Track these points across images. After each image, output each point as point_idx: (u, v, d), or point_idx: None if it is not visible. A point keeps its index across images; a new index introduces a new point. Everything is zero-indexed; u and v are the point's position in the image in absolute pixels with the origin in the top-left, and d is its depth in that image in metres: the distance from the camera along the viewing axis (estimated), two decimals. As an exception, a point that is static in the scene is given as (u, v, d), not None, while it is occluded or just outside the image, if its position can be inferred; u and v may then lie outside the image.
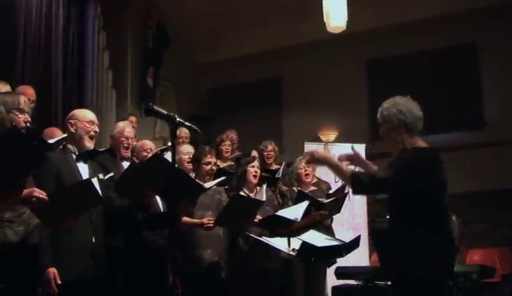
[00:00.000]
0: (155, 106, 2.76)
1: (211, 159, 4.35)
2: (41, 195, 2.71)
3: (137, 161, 4.20)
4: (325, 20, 6.81)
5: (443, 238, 2.90)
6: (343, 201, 4.82)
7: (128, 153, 4.30)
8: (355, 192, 3.25)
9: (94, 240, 3.30)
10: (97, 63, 8.03)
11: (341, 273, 5.62)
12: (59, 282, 3.09)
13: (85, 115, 3.51)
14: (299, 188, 4.88)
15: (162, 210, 3.92)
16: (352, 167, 3.19)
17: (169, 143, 4.46)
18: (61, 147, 3.59)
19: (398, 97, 3.07)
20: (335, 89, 9.57)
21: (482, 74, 8.88)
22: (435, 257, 2.81)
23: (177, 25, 9.71)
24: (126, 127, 4.43)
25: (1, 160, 2.47)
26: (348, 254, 4.30)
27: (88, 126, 3.44)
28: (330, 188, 5.21)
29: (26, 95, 3.40)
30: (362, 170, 3.19)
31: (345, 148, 3.68)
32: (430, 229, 2.84)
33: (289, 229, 4.19)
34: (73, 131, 3.43)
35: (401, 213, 2.92)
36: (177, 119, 2.65)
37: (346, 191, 4.83)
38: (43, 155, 2.92)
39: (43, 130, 4.72)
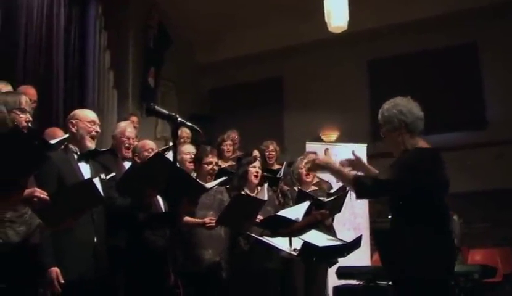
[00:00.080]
0: (156, 106, 2.75)
1: (212, 159, 4.34)
2: (42, 195, 2.71)
3: (138, 161, 4.19)
4: (326, 19, 6.81)
5: (445, 238, 2.90)
6: (344, 200, 4.81)
7: (130, 153, 4.31)
8: (358, 196, 3.15)
9: (95, 240, 3.31)
10: (99, 63, 8.04)
11: (342, 273, 5.61)
12: (62, 281, 3.09)
13: (86, 115, 3.51)
14: (300, 188, 4.87)
15: (163, 210, 3.92)
16: (354, 172, 3.17)
17: (171, 143, 4.47)
18: (62, 147, 3.58)
19: (399, 97, 3.07)
20: (337, 88, 9.57)
21: (483, 73, 8.89)
22: (436, 257, 2.81)
23: (179, 25, 9.70)
24: (128, 127, 4.44)
25: (2, 159, 2.47)
26: (350, 254, 4.29)
27: (89, 126, 3.44)
28: (331, 188, 5.20)
29: (28, 95, 3.40)
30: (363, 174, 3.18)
31: (347, 148, 3.67)
32: (432, 229, 2.84)
33: (290, 228, 4.19)
34: (75, 131, 3.43)
35: (402, 213, 2.92)
36: (179, 119, 2.64)
37: (346, 189, 4.82)
38: (44, 155, 2.92)
39: (44, 130, 4.70)
